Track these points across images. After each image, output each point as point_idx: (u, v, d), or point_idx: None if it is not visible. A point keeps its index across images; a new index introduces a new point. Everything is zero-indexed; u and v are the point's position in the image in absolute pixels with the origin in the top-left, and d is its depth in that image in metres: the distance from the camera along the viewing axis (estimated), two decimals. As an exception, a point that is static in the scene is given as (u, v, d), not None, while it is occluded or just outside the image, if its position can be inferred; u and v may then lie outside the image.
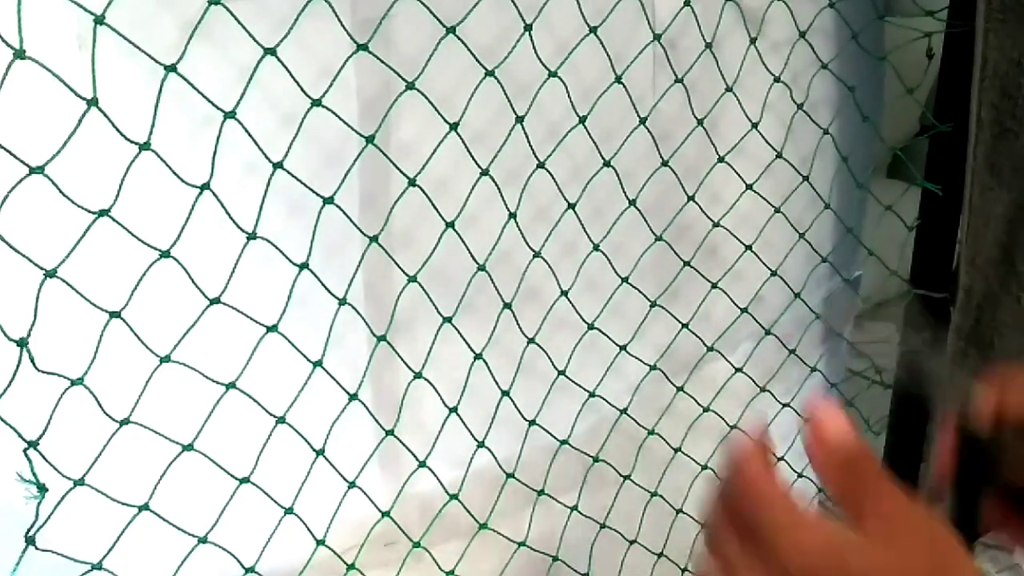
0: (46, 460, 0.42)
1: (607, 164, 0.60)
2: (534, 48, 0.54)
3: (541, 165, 0.57)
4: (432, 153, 0.52)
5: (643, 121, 0.61)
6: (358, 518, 0.56)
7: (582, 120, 0.58)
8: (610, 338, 0.64)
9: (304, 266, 0.49)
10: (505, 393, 0.60)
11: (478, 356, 0.58)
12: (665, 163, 0.63)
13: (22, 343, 0.40)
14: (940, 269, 0.80)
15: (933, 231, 0.79)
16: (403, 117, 0.51)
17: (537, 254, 0.59)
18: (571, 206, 0.59)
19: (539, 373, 0.62)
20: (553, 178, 0.58)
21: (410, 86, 0.50)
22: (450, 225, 0.54)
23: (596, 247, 0.61)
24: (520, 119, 0.55)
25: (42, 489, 0.42)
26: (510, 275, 0.58)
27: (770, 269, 0.72)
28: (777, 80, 0.68)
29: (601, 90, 0.58)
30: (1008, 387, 0.50)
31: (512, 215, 0.57)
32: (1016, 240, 0.80)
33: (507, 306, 0.59)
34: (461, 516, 0.60)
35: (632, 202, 0.62)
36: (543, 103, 0.56)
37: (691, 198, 0.67)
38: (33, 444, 0.41)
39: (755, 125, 0.68)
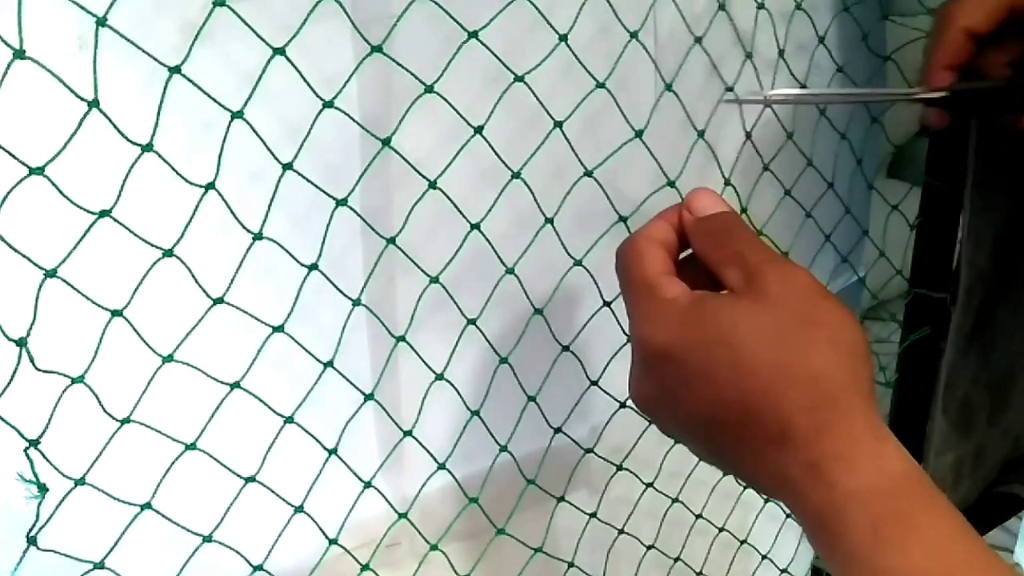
0: (47, 460, 0.42)
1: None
2: (575, 55, 0.54)
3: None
4: (453, 158, 0.52)
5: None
6: (358, 520, 0.56)
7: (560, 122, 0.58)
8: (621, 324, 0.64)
9: (314, 267, 0.49)
10: (531, 399, 0.60)
11: (503, 360, 0.58)
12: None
13: (21, 342, 0.40)
14: (940, 269, 0.80)
15: (933, 231, 0.79)
16: (403, 125, 0.51)
17: (578, 262, 0.59)
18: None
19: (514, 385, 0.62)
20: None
21: (428, 89, 0.50)
22: (475, 227, 0.54)
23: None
24: (558, 125, 0.55)
25: (43, 489, 0.42)
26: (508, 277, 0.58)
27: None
28: (802, 86, 0.69)
29: (609, 100, 0.58)
30: None
31: (548, 220, 0.56)
32: (1016, 240, 0.80)
33: (538, 312, 0.59)
34: (459, 519, 0.60)
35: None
36: (546, 112, 0.55)
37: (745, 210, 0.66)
38: (34, 443, 0.41)
39: (790, 136, 0.68)
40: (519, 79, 0.52)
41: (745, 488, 0.76)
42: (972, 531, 0.35)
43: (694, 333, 0.38)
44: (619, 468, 0.66)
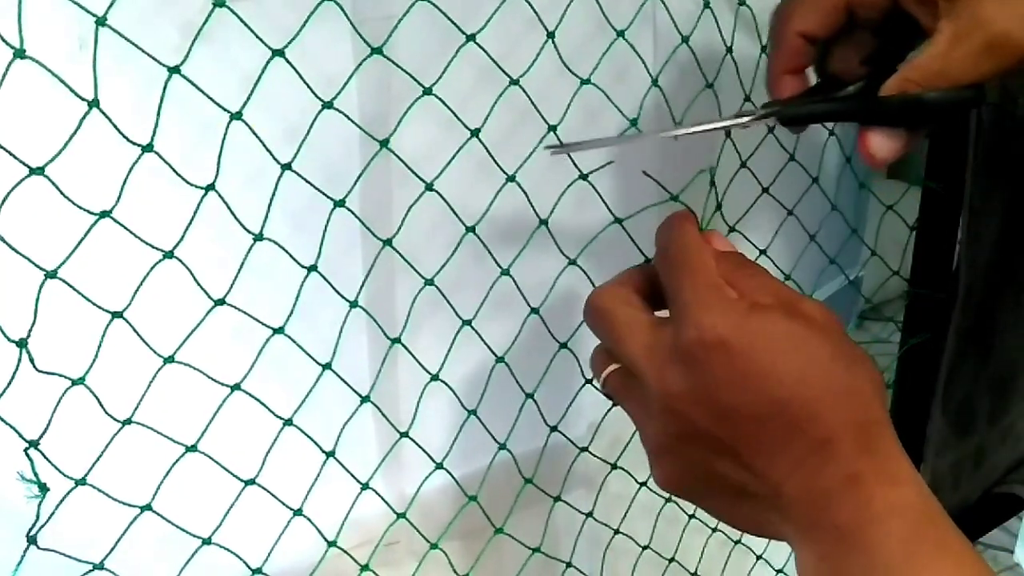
0: (47, 460, 0.42)
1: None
2: (560, 56, 0.54)
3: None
4: (449, 160, 0.52)
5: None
6: (356, 518, 0.56)
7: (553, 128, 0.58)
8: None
9: (313, 268, 0.50)
10: (529, 396, 0.60)
11: (500, 359, 0.58)
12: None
13: (22, 343, 0.40)
14: (940, 269, 0.80)
15: (933, 231, 0.79)
16: (401, 126, 0.51)
17: (572, 261, 0.59)
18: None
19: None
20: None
21: (427, 91, 0.50)
22: (470, 230, 0.54)
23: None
24: (552, 129, 0.54)
25: (43, 489, 0.42)
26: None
27: (785, 274, 0.72)
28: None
29: (606, 99, 0.58)
30: None
31: (543, 222, 0.56)
32: (1016, 240, 0.80)
33: (535, 311, 0.59)
34: (456, 519, 0.60)
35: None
36: (540, 116, 0.55)
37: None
38: (34, 444, 0.41)
39: (771, 131, 0.68)
40: (514, 83, 0.52)
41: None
42: (987, 566, 0.37)
43: (759, 327, 0.38)
44: (614, 467, 0.66)
